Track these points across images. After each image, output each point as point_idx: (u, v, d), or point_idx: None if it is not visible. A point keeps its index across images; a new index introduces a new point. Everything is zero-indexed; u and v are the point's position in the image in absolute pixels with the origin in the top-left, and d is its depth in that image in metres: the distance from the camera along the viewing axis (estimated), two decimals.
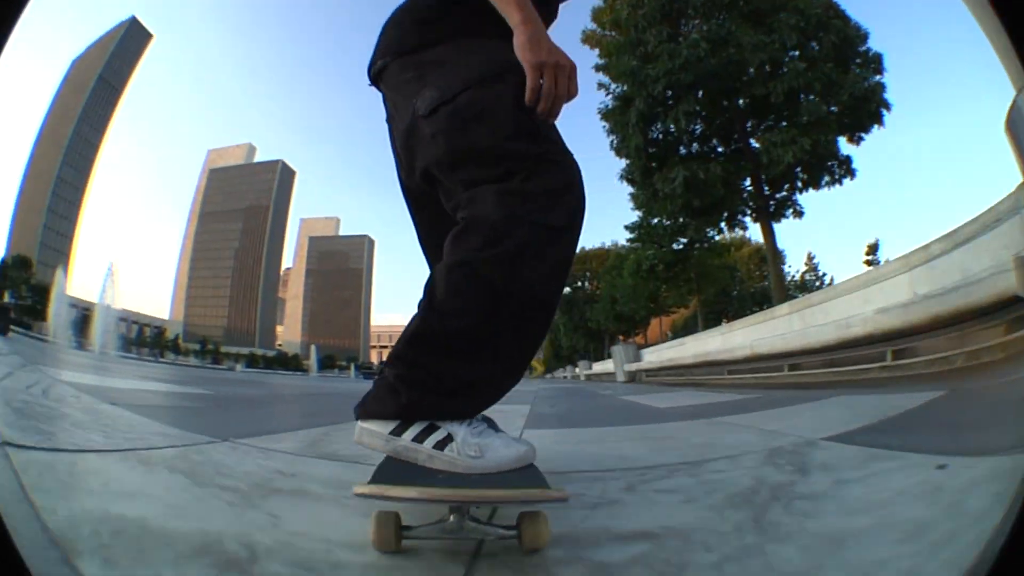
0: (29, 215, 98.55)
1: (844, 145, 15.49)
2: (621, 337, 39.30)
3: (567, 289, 44.67)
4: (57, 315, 28.19)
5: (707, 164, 16.17)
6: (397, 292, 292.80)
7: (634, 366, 18.86)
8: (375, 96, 1.28)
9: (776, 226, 17.12)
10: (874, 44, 15.32)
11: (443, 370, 1.02)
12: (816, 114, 14.36)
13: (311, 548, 0.92)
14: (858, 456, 1.64)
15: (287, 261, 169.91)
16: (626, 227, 26.84)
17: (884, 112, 14.88)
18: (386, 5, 1.27)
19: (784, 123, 15.50)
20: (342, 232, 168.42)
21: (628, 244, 30.86)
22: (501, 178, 1.02)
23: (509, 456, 1.00)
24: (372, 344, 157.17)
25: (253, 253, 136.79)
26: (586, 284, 51.88)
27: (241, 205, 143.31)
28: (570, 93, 1.05)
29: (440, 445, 1.00)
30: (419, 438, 1.01)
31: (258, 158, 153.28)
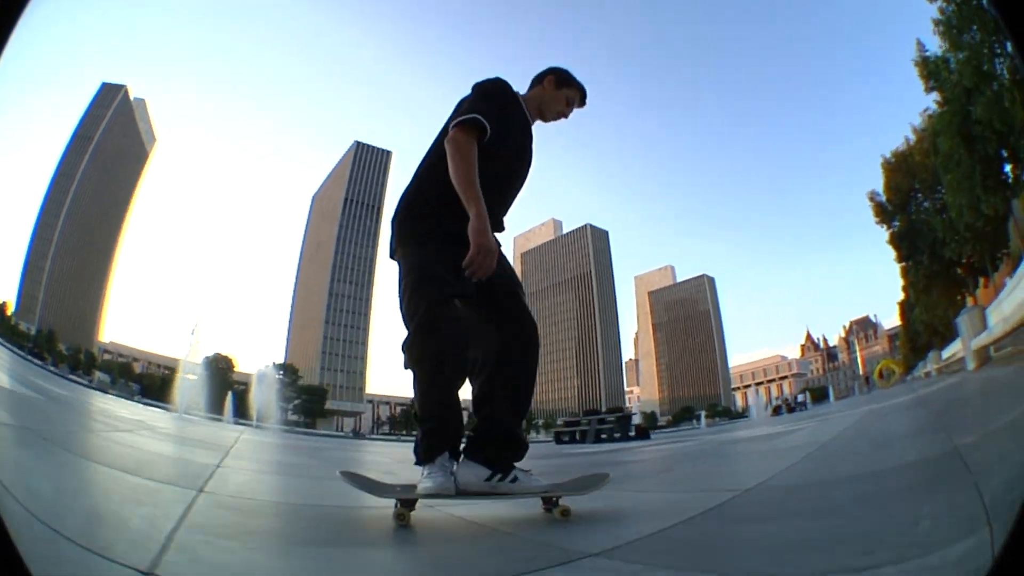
0: (304, 335, 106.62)
1: None
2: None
3: (895, 224, 32.46)
4: None
5: None
6: (750, 329, 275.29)
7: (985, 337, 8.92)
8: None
9: None
10: None
11: None
12: None
13: None
14: None
15: (631, 321, 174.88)
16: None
17: None
18: None
19: None
20: (679, 278, 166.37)
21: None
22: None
23: (421, 487, 1.88)
24: (735, 386, 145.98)
25: (588, 321, 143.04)
26: (922, 199, 33.23)
27: (562, 278, 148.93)
28: (488, 269, 1.89)
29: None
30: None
31: (566, 230, 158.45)
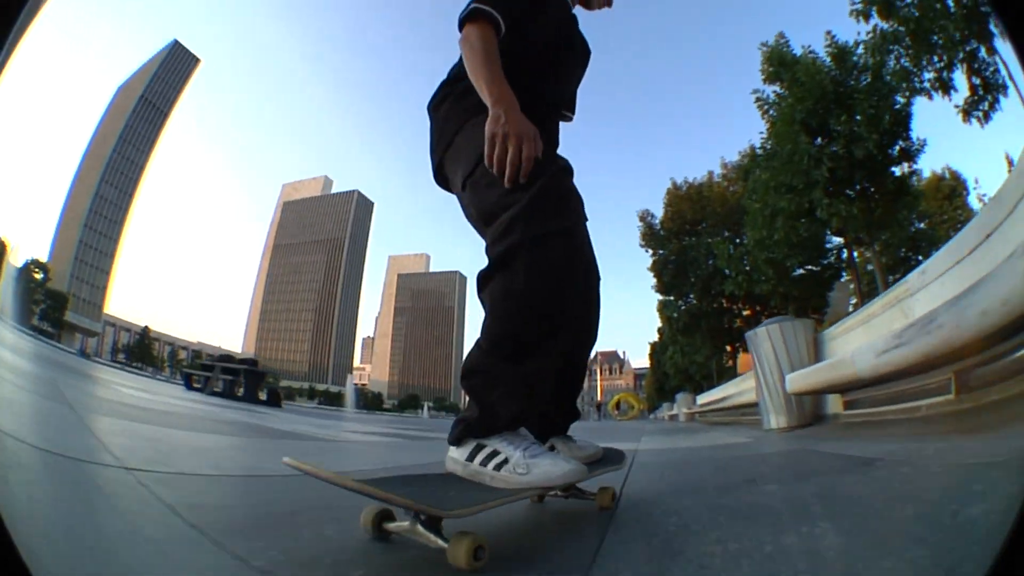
0: (68, 230, 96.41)
1: None
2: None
3: (663, 252, 26.29)
4: None
5: None
6: None
7: (814, 378, 4.19)
8: None
9: None
10: None
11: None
12: None
13: None
14: None
15: (373, 297, 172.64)
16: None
17: None
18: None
19: None
20: (433, 268, 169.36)
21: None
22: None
23: (555, 473, 1.10)
24: None
25: (331, 287, 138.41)
26: (707, 236, 25.85)
27: (317, 238, 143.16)
28: (522, 158, 1.18)
29: (498, 467, 1.11)
30: (484, 462, 1.13)
31: (335, 190, 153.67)
